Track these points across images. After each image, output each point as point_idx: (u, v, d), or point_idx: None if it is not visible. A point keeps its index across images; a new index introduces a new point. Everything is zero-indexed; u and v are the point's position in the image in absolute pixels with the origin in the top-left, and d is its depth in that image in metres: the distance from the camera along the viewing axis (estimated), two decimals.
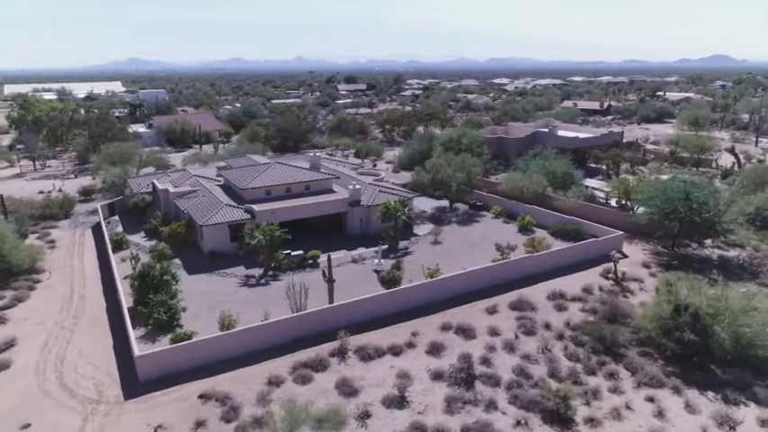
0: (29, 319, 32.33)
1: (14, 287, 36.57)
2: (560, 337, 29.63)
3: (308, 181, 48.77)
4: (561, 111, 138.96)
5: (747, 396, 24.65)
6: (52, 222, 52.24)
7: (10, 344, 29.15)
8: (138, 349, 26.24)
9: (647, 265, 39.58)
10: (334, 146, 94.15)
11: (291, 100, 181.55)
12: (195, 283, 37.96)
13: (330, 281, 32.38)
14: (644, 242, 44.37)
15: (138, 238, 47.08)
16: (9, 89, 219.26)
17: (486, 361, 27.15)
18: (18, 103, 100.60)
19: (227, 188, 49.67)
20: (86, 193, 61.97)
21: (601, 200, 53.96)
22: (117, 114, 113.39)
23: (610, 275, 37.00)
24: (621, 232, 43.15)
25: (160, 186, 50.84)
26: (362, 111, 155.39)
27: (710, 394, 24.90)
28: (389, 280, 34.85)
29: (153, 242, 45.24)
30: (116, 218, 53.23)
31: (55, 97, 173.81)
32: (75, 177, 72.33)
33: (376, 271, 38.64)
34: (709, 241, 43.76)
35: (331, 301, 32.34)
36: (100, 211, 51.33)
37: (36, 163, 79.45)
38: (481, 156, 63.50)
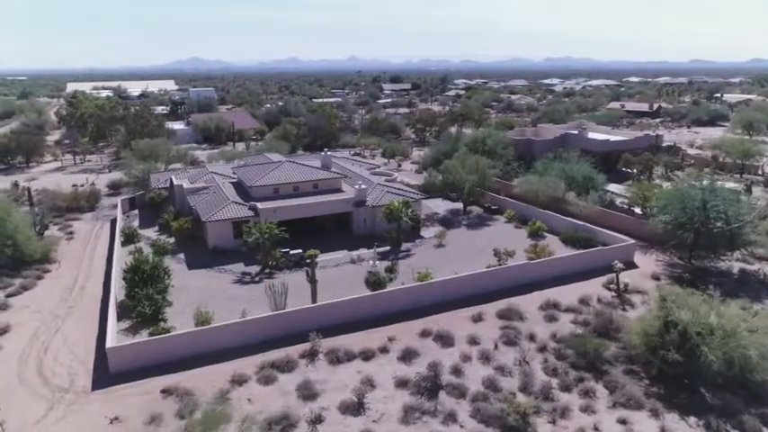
0: (28, 307, 33.78)
1: (24, 276, 38.33)
2: (543, 349, 28.27)
3: (316, 180, 48.81)
4: (606, 112, 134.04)
5: (733, 424, 22.67)
6: (77, 214, 54.61)
7: (3, 330, 30.51)
8: (111, 341, 26.81)
9: (656, 277, 37.30)
10: (363, 145, 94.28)
11: (332, 99, 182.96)
12: (193, 278, 38.70)
13: (312, 281, 32.17)
14: (660, 252, 41.91)
15: (150, 233, 48.47)
16: (71, 87, 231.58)
17: (457, 371, 26.20)
18: (67, 100, 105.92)
19: (239, 186, 50.36)
20: (115, 188, 64.49)
21: (624, 206, 51.35)
22: (158, 112, 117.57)
23: (611, 286, 35.08)
24: (633, 241, 40.93)
25: (176, 182, 52.16)
26: (402, 111, 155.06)
27: (692, 420, 23.05)
28: (374, 282, 34.30)
29: (163, 236, 46.57)
30: (135, 212, 55.12)
31: (110, 95, 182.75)
32: (110, 172, 75.37)
33: (370, 272, 38.15)
34: (736, 253, 40.89)
35: (314, 301, 32.15)
36: (119, 205, 53.23)
37: (77, 157, 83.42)
38: (502, 157, 62.02)
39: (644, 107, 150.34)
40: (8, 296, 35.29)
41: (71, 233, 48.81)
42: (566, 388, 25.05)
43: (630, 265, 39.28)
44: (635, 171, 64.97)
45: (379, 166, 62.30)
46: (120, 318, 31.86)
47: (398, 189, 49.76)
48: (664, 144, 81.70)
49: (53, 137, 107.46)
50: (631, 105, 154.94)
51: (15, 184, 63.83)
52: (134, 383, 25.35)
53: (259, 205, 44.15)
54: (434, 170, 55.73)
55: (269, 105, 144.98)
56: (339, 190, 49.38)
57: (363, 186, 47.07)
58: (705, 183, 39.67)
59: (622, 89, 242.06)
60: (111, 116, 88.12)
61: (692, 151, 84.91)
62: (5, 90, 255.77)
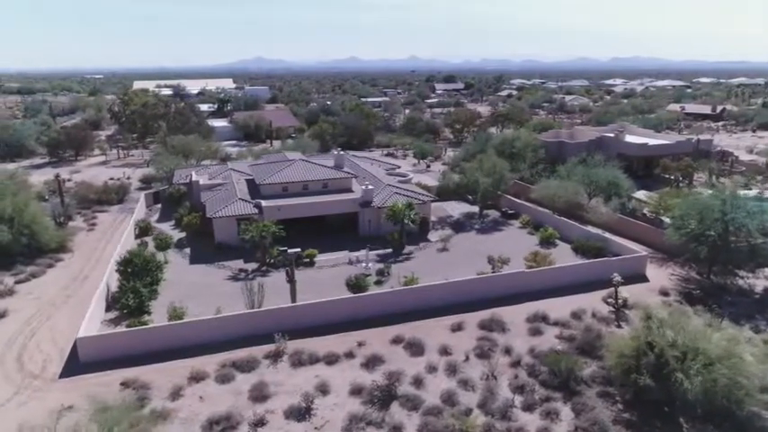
0: (31, 294, 35.41)
1: (37, 264, 40.23)
2: (516, 364, 26.74)
3: (326, 179, 48.68)
4: (662, 114, 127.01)
5: None
6: (106, 207, 57.02)
7: (1, 315, 32.06)
8: (83, 331, 27.53)
9: (665, 293, 34.60)
10: (396, 145, 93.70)
11: (380, 99, 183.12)
12: (191, 272, 39.43)
13: (291, 281, 31.96)
14: (678, 266, 38.92)
15: (166, 227, 49.90)
16: (137, 85, 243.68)
17: (418, 381, 25.19)
18: (119, 97, 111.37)
19: (252, 183, 50.97)
20: (147, 182, 66.96)
21: (652, 215, 48.13)
22: (205, 109, 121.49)
23: (609, 300, 32.82)
24: (645, 253, 38.23)
25: (193, 178, 53.46)
26: (449, 110, 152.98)
27: None
28: (354, 285, 33.63)
29: (176, 231, 47.88)
30: (158, 206, 56.99)
31: (170, 92, 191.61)
32: (148, 166, 78.34)
33: (362, 274, 37.54)
34: (762, 271, 37.45)
35: (293, 301, 31.97)
36: (142, 199, 55.19)
37: (120, 152, 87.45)
38: (526, 160, 59.88)
39: (706, 109, 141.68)
40: (17, 282, 37.13)
41: (93, 224, 50.99)
42: (528, 407, 23.53)
43: (641, 278, 36.73)
44: (672, 177, 60.92)
45: (398, 167, 61.36)
46: (111, 309, 32.92)
47: (408, 191, 48.79)
48: (715, 149, 76.42)
49: (108, 132, 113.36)
50: (693, 107, 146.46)
51: (56, 176, 67.41)
52: (99, 374, 25.93)
53: (263, 203, 44.52)
54: (451, 172, 54.29)
55: (314, 104, 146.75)
56: (349, 190, 49.04)
57: (370, 187, 46.51)
58: (728, 192, 36.43)
59: (689, 90, 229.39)
60: (153, 113, 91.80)
61: (747, 157, 78.90)
62: (79, 87, 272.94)
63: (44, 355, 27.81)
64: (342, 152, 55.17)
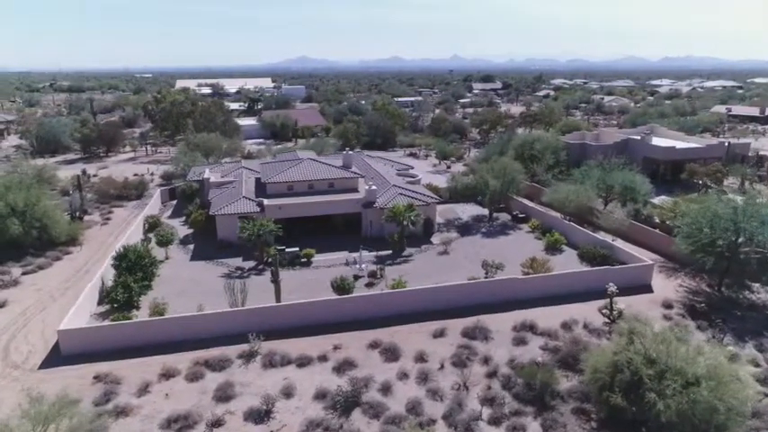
0: (34, 285, 36.56)
1: (46, 256, 41.55)
2: (492, 374, 25.72)
3: (331, 179, 48.49)
4: (705, 116, 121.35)
5: None
6: (124, 202, 58.57)
7: (1, 305, 33.19)
8: (65, 324, 28.08)
9: (668, 305, 32.68)
10: (421, 145, 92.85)
11: (412, 98, 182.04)
12: (189, 268, 39.90)
13: (275, 281, 31.80)
14: (690, 277, 36.82)
15: (177, 223, 50.80)
16: (179, 83, 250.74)
17: (386, 388, 24.54)
18: (153, 96, 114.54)
19: (259, 181, 51.26)
20: (168, 178, 68.49)
21: (669, 222, 45.76)
22: (235, 108, 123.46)
23: (603, 312, 31.27)
24: (650, 262, 36.28)
25: (205, 175, 54.24)
26: (481, 111, 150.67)
27: None
28: (339, 287, 33.17)
29: (185, 227, 48.71)
30: (173, 202, 58.12)
31: (210, 91, 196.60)
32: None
33: (355, 276, 37.15)
34: None
35: (278, 301, 31.84)
36: (156, 195, 56.41)
37: (148, 149, 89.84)
38: (542, 162, 58.15)
39: (754, 111, 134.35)
40: (24, 274, 38.44)
41: (108, 219, 52.40)
42: (495, 421, 22.53)
43: (645, 288, 34.89)
44: (699, 182, 57.90)
45: (411, 167, 60.55)
46: (103, 303, 33.59)
47: (414, 192, 48.01)
48: (753, 153, 72.27)
49: (142, 129, 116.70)
50: (740, 109, 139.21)
51: (83, 172, 69.82)
52: (77, 366, 26.40)
53: (265, 201, 44.68)
54: (462, 174, 53.21)
55: (345, 103, 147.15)
56: (355, 190, 48.68)
57: (373, 187, 46.00)
58: (741, 200, 34.18)
59: (740, 91, 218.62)
60: (179, 111, 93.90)
61: None
62: (125, 86, 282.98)
63: (30, 346, 28.56)
64: (351, 152, 54.82)
